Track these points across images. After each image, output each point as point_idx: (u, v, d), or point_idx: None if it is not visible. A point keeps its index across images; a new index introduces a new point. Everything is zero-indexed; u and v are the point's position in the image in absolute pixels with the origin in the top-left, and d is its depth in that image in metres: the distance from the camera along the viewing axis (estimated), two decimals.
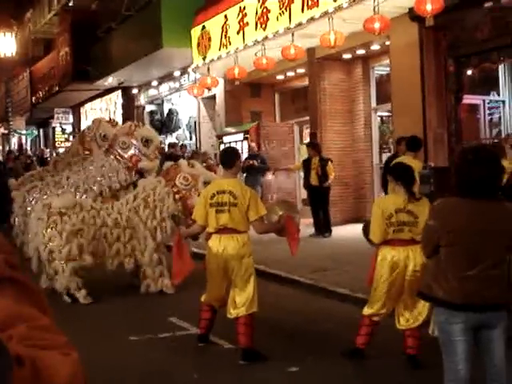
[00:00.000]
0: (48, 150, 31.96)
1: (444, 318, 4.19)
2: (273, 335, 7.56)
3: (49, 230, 9.48)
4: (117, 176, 12.40)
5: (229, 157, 7.05)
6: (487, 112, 14.13)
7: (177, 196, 9.89)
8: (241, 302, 6.70)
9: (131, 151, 12.51)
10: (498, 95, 14.00)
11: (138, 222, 9.87)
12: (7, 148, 35.27)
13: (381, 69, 16.33)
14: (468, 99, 13.43)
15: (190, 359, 6.93)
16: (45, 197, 11.73)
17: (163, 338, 7.60)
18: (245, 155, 17.03)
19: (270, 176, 16.70)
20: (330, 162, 14.51)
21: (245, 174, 16.55)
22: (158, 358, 6.95)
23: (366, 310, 6.50)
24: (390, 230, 6.12)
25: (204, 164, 17.27)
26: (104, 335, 7.78)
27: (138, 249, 9.88)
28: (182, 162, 10.56)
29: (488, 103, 14.19)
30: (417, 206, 6.08)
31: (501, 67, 13.51)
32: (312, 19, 13.37)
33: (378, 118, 16.82)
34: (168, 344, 7.40)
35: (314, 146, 14.93)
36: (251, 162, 16.44)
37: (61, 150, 26.04)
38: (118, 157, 12.51)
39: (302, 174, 15.41)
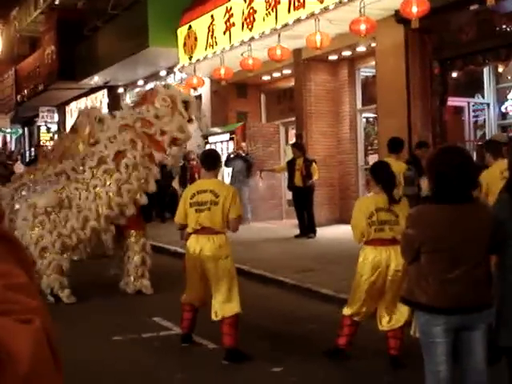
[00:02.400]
0: (33, 149, 31.79)
1: (425, 319, 4.19)
2: (256, 335, 7.55)
3: (36, 229, 9.32)
4: None
5: (212, 159, 7.18)
6: (472, 114, 14.20)
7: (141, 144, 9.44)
8: (223, 304, 6.69)
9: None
10: (483, 98, 14.07)
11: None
12: None
13: (366, 70, 16.39)
14: (453, 101, 13.50)
15: (173, 359, 6.91)
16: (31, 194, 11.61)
17: (147, 338, 7.58)
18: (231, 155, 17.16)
19: (256, 177, 16.71)
20: (314, 163, 14.53)
21: (231, 172, 16.59)
22: (142, 358, 6.94)
23: (346, 310, 6.51)
24: (372, 229, 6.14)
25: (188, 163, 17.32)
26: (87, 335, 7.74)
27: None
28: (159, 85, 10.36)
29: (473, 105, 14.26)
30: (398, 206, 6.15)
31: (485, 70, 13.59)
32: (298, 20, 13.41)
33: (364, 120, 16.87)
34: (151, 344, 7.37)
35: (298, 146, 14.95)
36: (239, 151, 16.57)
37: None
38: None
39: (286, 174, 15.44)
